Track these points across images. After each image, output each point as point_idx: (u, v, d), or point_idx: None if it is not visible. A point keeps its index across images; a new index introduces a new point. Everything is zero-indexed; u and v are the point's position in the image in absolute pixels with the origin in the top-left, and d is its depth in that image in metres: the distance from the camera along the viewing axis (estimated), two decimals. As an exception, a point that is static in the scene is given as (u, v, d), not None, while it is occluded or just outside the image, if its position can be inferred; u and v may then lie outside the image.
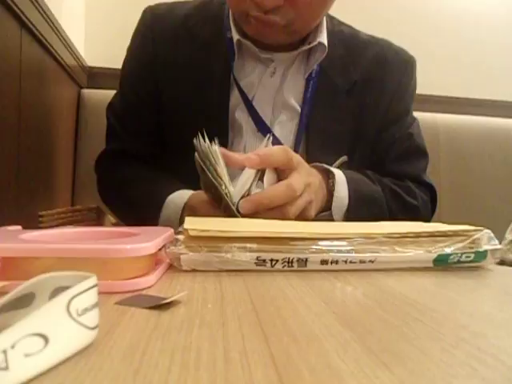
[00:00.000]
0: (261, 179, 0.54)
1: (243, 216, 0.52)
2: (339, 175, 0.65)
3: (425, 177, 0.81)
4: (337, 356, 0.20)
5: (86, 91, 1.23)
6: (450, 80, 1.58)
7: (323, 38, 0.75)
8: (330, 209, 0.64)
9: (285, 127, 0.75)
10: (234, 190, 0.53)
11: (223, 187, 0.52)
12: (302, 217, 0.56)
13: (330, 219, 0.65)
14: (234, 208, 0.52)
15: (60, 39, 0.97)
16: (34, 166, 0.86)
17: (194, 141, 0.53)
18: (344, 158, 0.70)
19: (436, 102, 1.51)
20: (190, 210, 0.62)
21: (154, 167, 0.77)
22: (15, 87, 0.75)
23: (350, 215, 0.65)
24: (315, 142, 0.74)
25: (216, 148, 0.53)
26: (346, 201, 0.65)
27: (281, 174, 0.56)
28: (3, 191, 0.71)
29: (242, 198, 0.52)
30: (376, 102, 0.78)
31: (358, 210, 0.65)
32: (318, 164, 0.64)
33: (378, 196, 0.70)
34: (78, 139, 1.19)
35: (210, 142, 0.53)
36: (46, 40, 0.87)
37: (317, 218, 0.65)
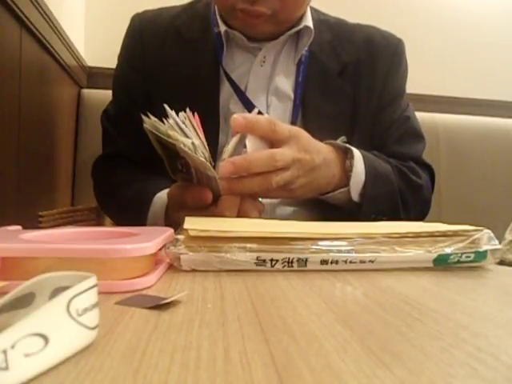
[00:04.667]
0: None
1: (223, 194, 0.52)
2: (356, 153, 0.65)
3: (424, 158, 0.83)
4: (337, 356, 0.20)
5: (85, 91, 1.23)
6: (449, 80, 1.58)
7: (308, 22, 0.76)
8: (346, 185, 0.65)
9: (279, 113, 0.76)
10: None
11: (182, 145, 0.50)
12: (285, 189, 0.56)
13: (347, 197, 0.65)
14: (198, 158, 0.50)
15: (60, 39, 0.97)
16: (33, 166, 0.86)
17: (144, 125, 0.52)
18: (343, 138, 0.70)
19: (435, 102, 1.51)
20: (169, 199, 0.62)
21: (148, 169, 0.77)
22: (15, 87, 0.75)
23: (366, 191, 0.65)
24: (312, 123, 0.75)
25: (169, 120, 0.51)
26: (363, 177, 0.65)
27: (274, 146, 0.56)
28: (3, 191, 0.71)
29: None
30: (369, 84, 0.79)
31: (374, 187, 0.66)
32: (333, 142, 0.65)
33: (389, 174, 0.71)
34: (78, 139, 1.19)
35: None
36: (46, 40, 0.87)
37: (333, 195, 0.65)
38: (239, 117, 0.54)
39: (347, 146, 0.65)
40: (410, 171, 0.75)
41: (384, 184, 0.69)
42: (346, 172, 0.65)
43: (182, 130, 0.51)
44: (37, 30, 0.81)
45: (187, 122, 0.52)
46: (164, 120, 0.51)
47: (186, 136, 0.51)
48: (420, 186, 0.76)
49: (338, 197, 0.65)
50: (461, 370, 0.19)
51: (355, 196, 0.65)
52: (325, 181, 0.62)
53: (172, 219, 0.61)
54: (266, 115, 0.60)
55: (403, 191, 0.71)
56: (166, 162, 0.54)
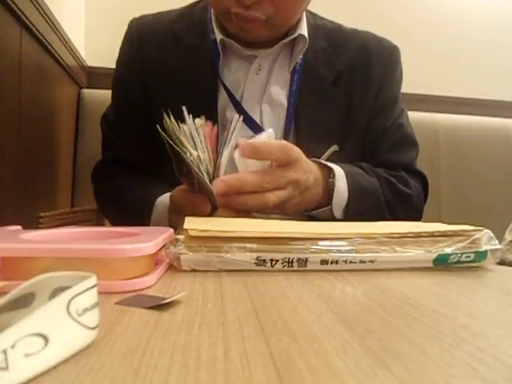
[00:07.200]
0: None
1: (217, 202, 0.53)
2: (338, 171, 0.66)
3: (416, 166, 0.83)
4: (337, 356, 0.20)
5: (86, 91, 1.23)
6: (449, 80, 1.58)
7: (303, 30, 0.76)
8: (328, 204, 0.65)
9: (274, 121, 0.77)
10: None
11: (188, 155, 0.51)
12: (278, 207, 0.57)
13: (330, 215, 0.66)
14: (199, 171, 0.51)
15: (60, 39, 0.97)
16: (33, 166, 0.86)
17: (164, 121, 0.53)
18: (335, 147, 0.71)
19: (436, 102, 1.51)
20: (171, 201, 0.62)
21: (148, 173, 0.78)
22: (15, 87, 0.75)
23: (350, 209, 0.66)
24: (304, 132, 0.75)
25: (184, 126, 0.53)
26: (346, 195, 0.66)
27: (273, 164, 0.57)
28: (3, 191, 0.71)
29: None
30: (363, 92, 0.79)
31: (357, 204, 0.66)
32: (317, 160, 0.65)
33: (375, 187, 0.71)
34: (78, 139, 1.18)
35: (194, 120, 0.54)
36: (46, 40, 0.87)
37: (316, 214, 0.66)
38: (248, 147, 0.54)
39: (329, 165, 0.66)
40: (399, 181, 0.75)
41: (369, 199, 0.69)
42: (329, 191, 0.65)
43: (193, 138, 0.52)
44: (37, 30, 0.81)
45: (201, 130, 0.53)
46: (180, 124, 0.52)
47: (196, 146, 0.52)
48: (409, 195, 0.76)
49: (322, 214, 0.66)
50: (461, 370, 0.19)
51: (338, 214, 0.66)
52: (312, 198, 0.63)
53: (169, 219, 0.61)
54: (281, 140, 0.60)
55: (391, 202, 0.72)
56: (174, 162, 0.55)
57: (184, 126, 0.53)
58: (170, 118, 0.52)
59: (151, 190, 0.71)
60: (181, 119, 0.53)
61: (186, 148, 0.51)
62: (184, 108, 0.53)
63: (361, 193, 0.67)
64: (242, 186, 0.53)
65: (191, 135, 0.52)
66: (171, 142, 0.51)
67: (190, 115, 0.54)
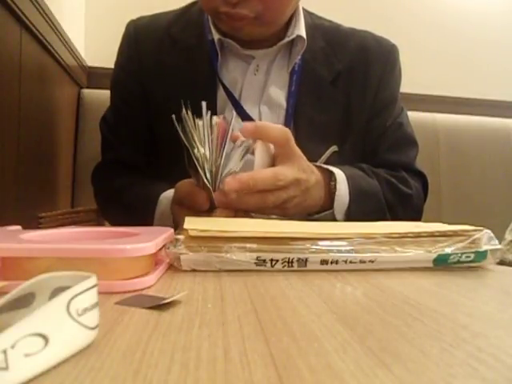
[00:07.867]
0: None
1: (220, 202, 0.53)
2: (339, 174, 0.66)
3: (416, 165, 0.83)
4: (337, 356, 0.20)
5: (86, 91, 1.23)
6: (449, 80, 1.58)
7: (301, 31, 0.76)
8: (330, 208, 0.65)
9: (272, 122, 0.76)
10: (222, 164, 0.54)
11: (195, 150, 0.52)
12: (278, 207, 0.57)
13: (332, 218, 0.66)
14: (201, 169, 0.52)
15: (60, 39, 0.97)
16: (33, 166, 0.86)
17: (181, 113, 0.54)
18: (334, 148, 0.70)
19: (435, 102, 1.51)
20: (175, 192, 0.62)
21: (147, 175, 0.78)
22: (15, 87, 0.75)
23: (351, 212, 0.66)
24: (304, 133, 0.75)
25: (199, 121, 0.53)
26: (347, 199, 0.66)
27: (276, 160, 0.57)
28: (3, 192, 0.71)
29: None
30: (362, 91, 0.79)
31: (359, 206, 0.66)
32: (318, 164, 0.65)
33: (376, 189, 0.71)
34: (78, 139, 1.19)
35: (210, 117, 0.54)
36: (46, 40, 0.87)
37: (318, 217, 0.66)
38: (248, 124, 0.54)
39: (330, 168, 0.66)
40: (400, 181, 0.75)
41: (370, 202, 0.69)
42: (331, 194, 0.65)
43: (205, 135, 0.53)
44: (37, 30, 0.81)
45: (215, 129, 0.54)
46: (196, 119, 0.53)
47: (205, 143, 0.53)
48: (409, 195, 0.76)
49: (324, 218, 0.66)
50: (461, 370, 0.19)
51: (339, 217, 0.66)
52: (313, 202, 0.63)
53: (171, 209, 0.62)
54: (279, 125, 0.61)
55: (392, 203, 0.72)
56: (185, 153, 0.55)
57: (199, 122, 0.53)
58: (187, 112, 0.53)
59: (154, 187, 0.71)
60: (178, 118, 0.54)
61: (195, 143, 0.52)
62: (204, 103, 0.54)
63: (362, 195, 0.67)
64: (254, 185, 0.53)
65: (204, 132, 0.53)
66: (182, 135, 0.52)
67: (209, 112, 0.54)
